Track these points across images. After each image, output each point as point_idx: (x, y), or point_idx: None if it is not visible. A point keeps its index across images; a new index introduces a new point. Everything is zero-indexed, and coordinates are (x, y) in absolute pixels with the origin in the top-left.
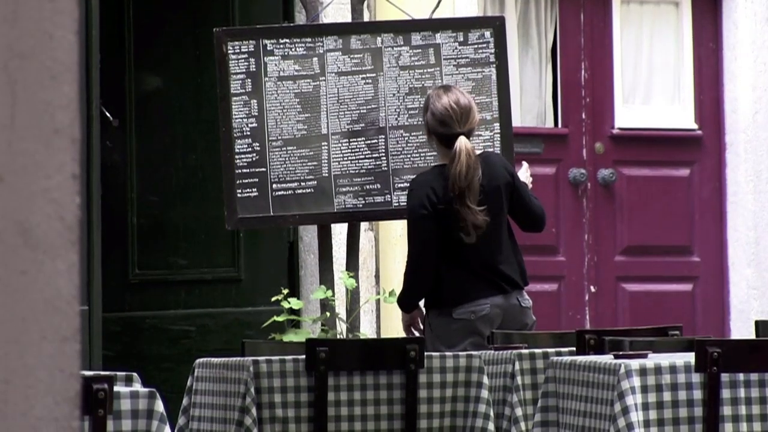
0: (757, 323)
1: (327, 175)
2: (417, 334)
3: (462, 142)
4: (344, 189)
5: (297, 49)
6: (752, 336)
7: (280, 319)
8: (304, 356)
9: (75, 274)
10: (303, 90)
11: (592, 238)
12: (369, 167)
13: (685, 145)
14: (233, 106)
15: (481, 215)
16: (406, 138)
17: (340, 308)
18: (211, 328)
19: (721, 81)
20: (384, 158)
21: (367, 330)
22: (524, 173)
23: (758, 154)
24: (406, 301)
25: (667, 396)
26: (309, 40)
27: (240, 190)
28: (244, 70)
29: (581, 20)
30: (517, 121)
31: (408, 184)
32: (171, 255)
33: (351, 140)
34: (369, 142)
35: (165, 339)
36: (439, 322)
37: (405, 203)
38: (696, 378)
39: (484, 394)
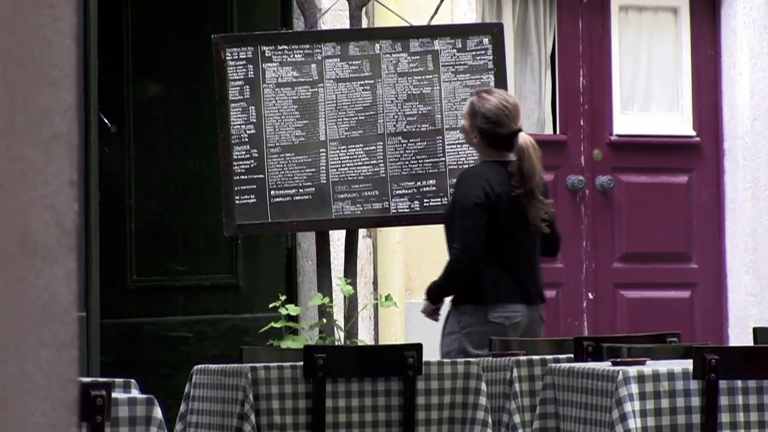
0: (755, 330)
1: (325, 181)
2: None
3: (526, 137)
4: (342, 195)
5: (295, 55)
6: (750, 343)
7: (277, 325)
8: (302, 363)
9: (73, 280)
10: (301, 96)
11: (590, 245)
12: (367, 174)
13: (684, 152)
14: (231, 113)
15: (550, 206)
16: (404, 144)
17: (338, 315)
18: (209, 335)
19: (720, 88)
20: (382, 165)
21: (364, 336)
22: None
23: (756, 160)
24: (440, 291)
25: (665, 403)
26: (307, 46)
27: (238, 197)
28: (243, 77)
29: (580, 27)
30: None
31: (406, 190)
32: (169, 261)
33: (349, 147)
34: (367, 148)
35: (163, 345)
36: (472, 321)
37: (466, 197)
38: (694, 385)
39: (483, 401)
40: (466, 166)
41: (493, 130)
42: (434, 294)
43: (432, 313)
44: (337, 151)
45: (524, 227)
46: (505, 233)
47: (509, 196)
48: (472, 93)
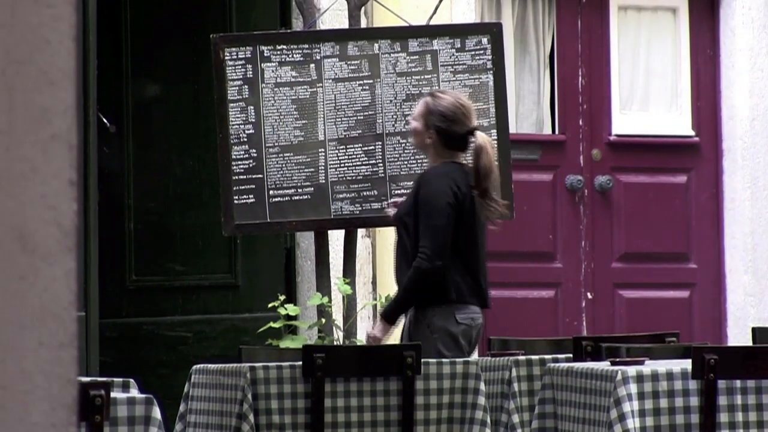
0: (754, 330)
1: (324, 181)
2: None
3: (483, 135)
4: (341, 195)
5: (294, 55)
6: (749, 343)
7: (276, 325)
8: (301, 362)
9: (72, 280)
10: (300, 96)
11: (589, 245)
12: (366, 173)
13: (683, 152)
14: (230, 113)
15: (505, 208)
16: (403, 144)
17: (337, 314)
18: (208, 335)
19: (719, 88)
20: (381, 164)
21: (363, 336)
22: None
23: (755, 160)
24: (402, 304)
25: (663, 403)
26: (306, 46)
27: (237, 197)
28: (241, 77)
29: (579, 27)
30: (514, 128)
31: (405, 190)
32: (168, 261)
33: (348, 146)
34: (366, 148)
35: (162, 345)
36: (442, 324)
37: (436, 198)
38: (693, 385)
39: (481, 400)
40: None
41: (450, 128)
42: (396, 309)
43: (381, 339)
44: (336, 151)
45: (480, 230)
46: (466, 235)
47: (471, 197)
48: (424, 95)
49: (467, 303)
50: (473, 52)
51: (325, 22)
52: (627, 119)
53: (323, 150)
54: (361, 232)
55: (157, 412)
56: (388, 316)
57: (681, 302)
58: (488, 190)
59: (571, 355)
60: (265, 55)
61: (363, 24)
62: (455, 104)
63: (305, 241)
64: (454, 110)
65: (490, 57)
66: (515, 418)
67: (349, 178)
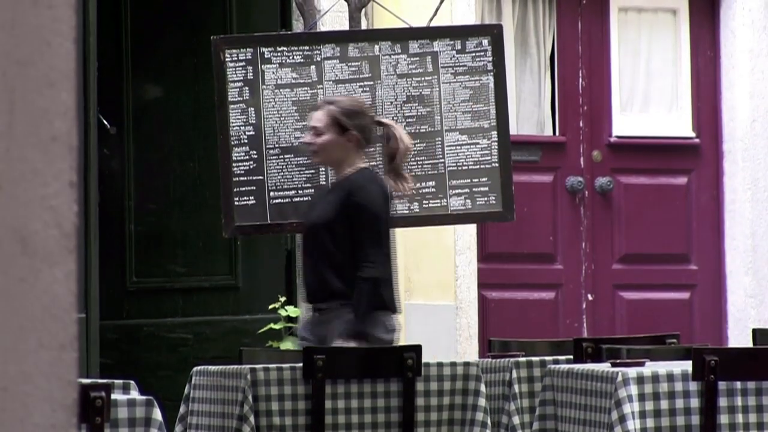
0: (755, 331)
1: (324, 183)
2: None
3: (384, 119)
4: None
5: (294, 56)
6: (749, 344)
7: (277, 326)
8: (301, 364)
9: (73, 281)
10: (300, 98)
11: (589, 247)
12: None
13: (683, 153)
14: (231, 114)
15: (411, 181)
16: None
17: None
18: (208, 336)
19: (719, 89)
20: (381, 166)
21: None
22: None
23: (756, 162)
24: (372, 315)
25: (664, 404)
26: (306, 48)
27: (237, 198)
28: (242, 78)
29: (579, 28)
30: (514, 129)
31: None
32: (168, 263)
33: None
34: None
35: (162, 347)
36: (374, 333)
37: (375, 204)
38: (693, 386)
39: (482, 402)
40: (465, 167)
41: (364, 122)
42: (367, 324)
43: None
44: None
45: (392, 236)
46: (389, 240)
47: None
48: (318, 106)
49: (388, 310)
50: (474, 54)
51: (326, 24)
52: (627, 120)
53: None
54: None
55: (157, 414)
56: (362, 334)
57: (681, 303)
58: (401, 168)
59: (571, 357)
60: (266, 56)
61: (363, 25)
62: (353, 99)
63: None
64: (355, 104)
65: (490, 58)
66: (516, 420)
67: None
